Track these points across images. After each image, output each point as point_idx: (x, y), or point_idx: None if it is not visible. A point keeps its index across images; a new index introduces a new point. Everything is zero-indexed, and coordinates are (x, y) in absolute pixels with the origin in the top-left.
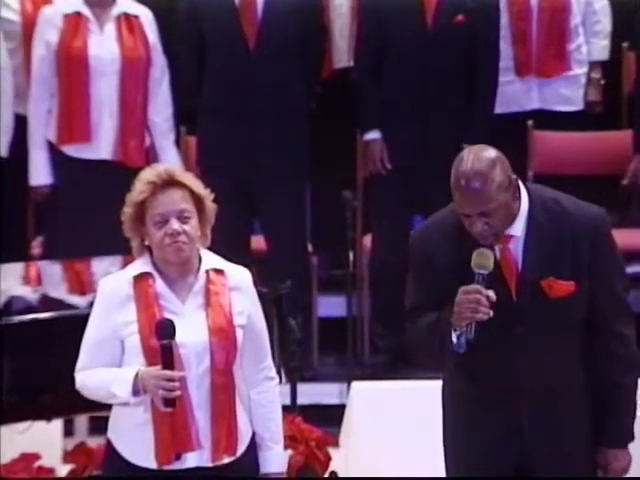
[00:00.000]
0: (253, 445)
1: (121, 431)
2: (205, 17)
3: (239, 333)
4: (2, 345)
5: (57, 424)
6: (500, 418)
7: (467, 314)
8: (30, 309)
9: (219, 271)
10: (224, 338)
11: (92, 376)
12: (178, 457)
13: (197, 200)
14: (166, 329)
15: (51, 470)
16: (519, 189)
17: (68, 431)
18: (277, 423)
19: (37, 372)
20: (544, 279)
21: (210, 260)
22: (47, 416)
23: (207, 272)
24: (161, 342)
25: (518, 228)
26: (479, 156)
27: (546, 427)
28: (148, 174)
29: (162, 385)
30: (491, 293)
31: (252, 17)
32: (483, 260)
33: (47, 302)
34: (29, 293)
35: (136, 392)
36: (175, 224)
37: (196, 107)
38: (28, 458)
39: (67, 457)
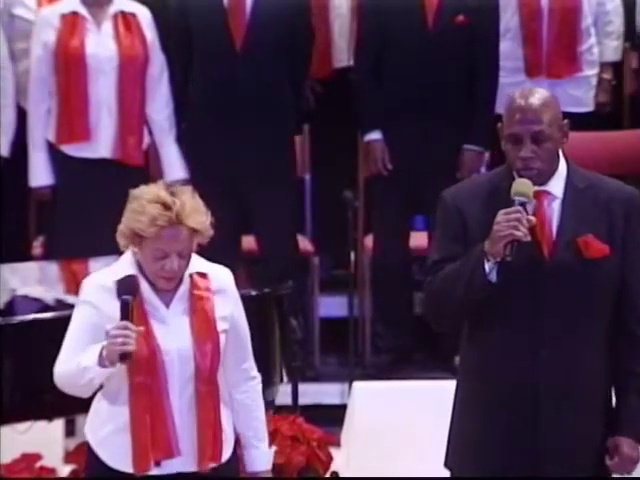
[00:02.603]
0: (236, 448)
1: (100, 436)
2: (193, 16)
3: (222, 338)
4: (3, 345)
5: (58, 424)
6: (513, 421)
7: (507, 231)
8: (44, 309)
9: (203, 275)
10: (208, 345)
11: (67, 362)
12: (158, 464)
13: (198, 234)
14: (128, 285)
15: (52, 470)
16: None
17: (69, 431)
18: (261, 421)
19: (38, 372)
20: (581, 236)
21: (194, 263)
22: (48, 416)
23: (191, 276)
24: (121, 297)
25: (557, 188)
26: (538, 88)
27: (561, 429)
28: (156, 211)
29: (115, 333)
30: (532, 217)
31: (240, 17)
32: (523, 187)
33: (60, 302)
34: (44, 293)
35: (101, 361)
36: (174, 263)
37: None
38: (29, 458)
39: (68, 457)
